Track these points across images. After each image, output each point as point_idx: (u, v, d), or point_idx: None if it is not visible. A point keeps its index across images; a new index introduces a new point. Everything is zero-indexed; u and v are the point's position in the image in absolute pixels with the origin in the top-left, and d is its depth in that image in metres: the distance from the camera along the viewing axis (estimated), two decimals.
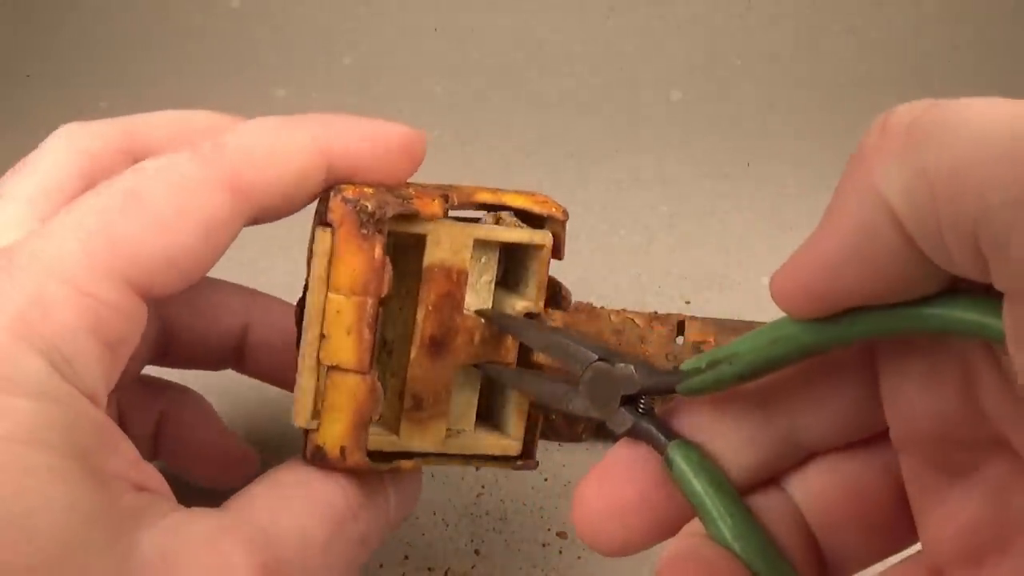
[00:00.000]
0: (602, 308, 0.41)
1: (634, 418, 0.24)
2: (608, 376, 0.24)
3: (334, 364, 0.26)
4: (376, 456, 0.27)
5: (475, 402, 0.30)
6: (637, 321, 0.40)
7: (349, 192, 0.26)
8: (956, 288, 0.19)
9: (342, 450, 0.26)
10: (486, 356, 0.29)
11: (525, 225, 0.29)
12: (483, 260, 0.29)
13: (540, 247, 0.29)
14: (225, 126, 0.28)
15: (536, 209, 0.29)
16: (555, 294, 0.30)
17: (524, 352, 0.29)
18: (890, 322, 0.20)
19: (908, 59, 0.77)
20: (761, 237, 0.56)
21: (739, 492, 0.23)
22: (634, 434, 0.24)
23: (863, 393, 0.22)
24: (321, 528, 0.25)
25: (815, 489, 0.23)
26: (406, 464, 0.28)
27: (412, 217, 0.26)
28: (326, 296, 0.26)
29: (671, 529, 0.23)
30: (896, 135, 0.18)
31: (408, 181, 0.29)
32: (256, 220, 0.26)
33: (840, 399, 0.22)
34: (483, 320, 0.28)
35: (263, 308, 0.33)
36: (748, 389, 0.23)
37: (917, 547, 0.22)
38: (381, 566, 0.34)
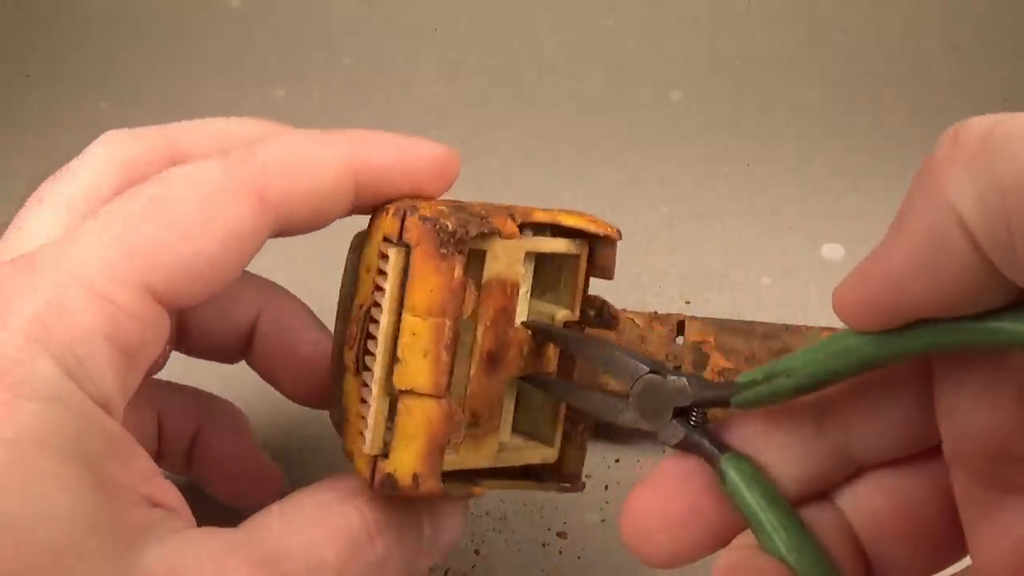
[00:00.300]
0: None
1: (686, 431, 0.24)
2: (660, 388, 0.24)
3: (408, 388, 0.25)
4: (448, 480, 0.26)
5: (511, 412, 0.29)
6: (637, 321, 0.40)
7: (427, 211, 0.25)
8: (1023, 301, 0.19)
9: (415, 477, 0.25)
10: (532, 368, 0.28)
11: (559, 236, 0.29)
12: (523, 272, 0.28)
13: (577, 256, 0.29)
14: (273, 132, 0.28)
15: (592, 229, 0.29)
16: (601, 312, 0.29)
17: (563, 363, 0.29)
18: (955, 335, 0.19)
19: (908, 59, 0.77)
20: (761, 237, 0.56)
21: (791, 505, 0.23)
22: (685, 447, 0.24)
23: (917, 407, 0.22)
24: (334, 551, 0.25)
25: (866, 503, 0.23)
26: (477, 490, 0.27)
27: (481, 236, 0.26)
28: (399, 317, 0.25)
29: (721, 541, 0.23)
30: (968, 146, 0.18)
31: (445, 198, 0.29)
32: (281, 232, 0.26)
33: (894, 413, 0.22)
34: (529, 332, 0.28)
35: (274, 300, 0.33)
36: (801, 402, 0.23)
37: (967, 562, 0.22)
38: None
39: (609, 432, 0.40)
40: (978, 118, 0.18)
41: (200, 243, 0.23)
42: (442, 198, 0.29)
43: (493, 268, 0.27)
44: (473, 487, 0.27)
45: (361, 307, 0.26)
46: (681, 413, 0.24)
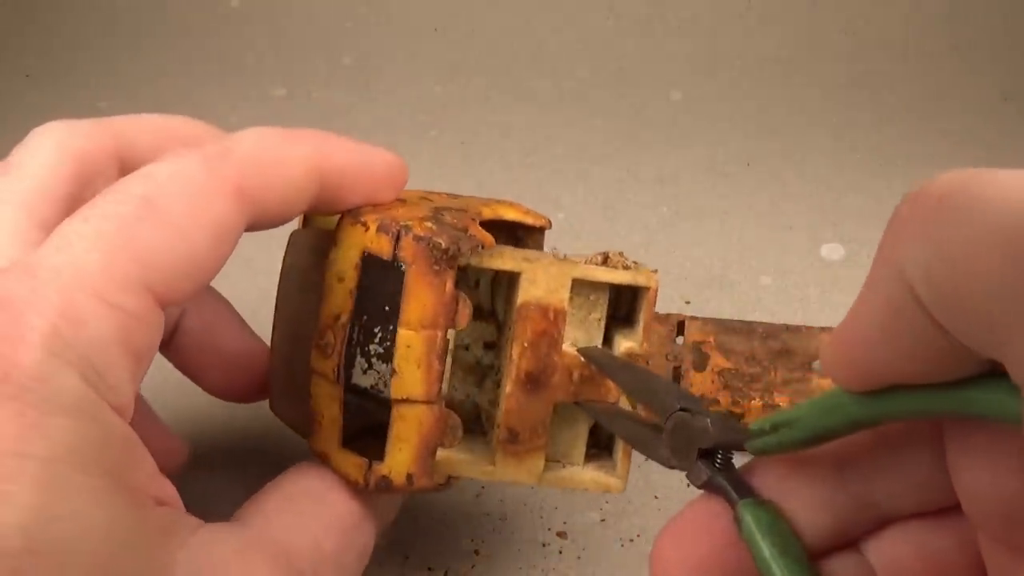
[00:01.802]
0: None
1: (709, 473, 0.23)
2: (687, 427, 0.24)
3: (403, 397, 0.26)
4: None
5: (584, 437, 0.30)
6: None
7: (418, 229, 0.26)
8: (996, 370, 0.18)
9: (409, 477, 0.27)
10: (586, 394, 0.29)
11: (636, 264, 0.29)
12: (591, 297, 0.29)
13: (645, 288, 0.29)
14: (208, 135, 0.29)
15: (528, 220, 0.30)
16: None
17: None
18: (934, 403, 0.19)
19: (908, 59, 0.77)
20: (761, 237, 0.56)
21: (815, 554, 0.22)
22: (710, 488, 0.23)
23: (936, 463, 0.22)
24: (333, 542, 0.26)
25: (892, 555, 0.23)
26: (455, 480, 0.28)
27: (480, 249, 0.27)
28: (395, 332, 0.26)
29: None
30: (922, 210, 0.17)
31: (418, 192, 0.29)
32: (252, 227, 0.26)
33: (914, 467, 0.22)
34: (579, 357, 0.29)
35: (199, 297, 0.33)
36: (823, 451, 0.22)
37: None
38: (381, 566, 0.34)
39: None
40: (944, 176, 0.18)
41: (191, 241, 0.23)
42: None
43: (530, 292, 0.27)
44: (452, 478, 0.28)
45: (337, 317, 0.27)
46: (706, 454, 0.24)
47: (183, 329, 0.33)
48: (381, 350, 0.26)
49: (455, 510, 0.37)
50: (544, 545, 0.36)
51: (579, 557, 0.35)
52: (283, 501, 0.26)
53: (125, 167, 0.27)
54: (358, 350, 0.27)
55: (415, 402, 0.26)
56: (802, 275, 0.53)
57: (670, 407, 0.24)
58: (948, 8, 0.78)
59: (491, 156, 0.64)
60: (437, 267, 0.26)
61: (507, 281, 0.29)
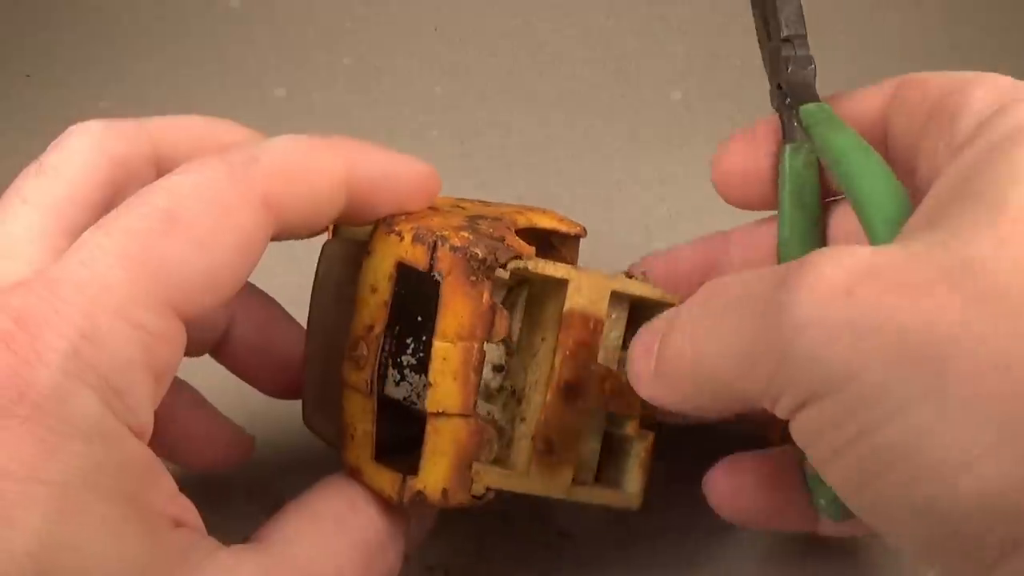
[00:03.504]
0: None
1: (778, 104, 0.34)
2: (777, 57, 0.36)
3: (439, 411, 0.26)
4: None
5: (598, 453, 0.31)
6: None
7: (455, 239, 0.26)
8: None
9: (444, 492, 0.27)
10: (614, 407, 0.29)
11: (650, 282, 0.30)
12: (614, 316, 0.29)
13: (670, 306, 0.29)
14: (248, 139, 0.28)
15: (563, 228, 0.30)
16: None
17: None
18: None
19: (908, 59, 0.77)
20: None
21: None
22: (779, 113, 0.33)
23: None
24: (356, 566, 0.26)
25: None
26: (491, 493, 0.28)
27: (518, 259, 0.27)
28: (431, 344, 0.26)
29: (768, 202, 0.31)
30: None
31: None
32: (278, 237, 0.26)
33: None
34: (612, 369, 0.29)
35: (248, 300, 0.33)
36: None
37: None
38: None
39: None
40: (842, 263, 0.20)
41: (216, 256, 0.23)
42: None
43: (575, 300, 0.28)
44: (489, 490, 0.28)
45: (371, 328, 0.26)
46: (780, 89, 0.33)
47: (236, 334, 0.33)
48: (414, 361, 0.26)
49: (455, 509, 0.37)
50: (546, 545, 0.36)
51: (580, 557, 0.35)
52: (306, 522, 0.26)
53: (163, 172, 0.27)
54: (390, 361, 0.27)
55: (451, 415, 0.26)
56: None
57: (775, 36, 0.33)
58: (948, 8, 0.78)
59: (491, 156, 0.64)
60: (474, 277, 0.25)
61: (527, 297, 0.29)
